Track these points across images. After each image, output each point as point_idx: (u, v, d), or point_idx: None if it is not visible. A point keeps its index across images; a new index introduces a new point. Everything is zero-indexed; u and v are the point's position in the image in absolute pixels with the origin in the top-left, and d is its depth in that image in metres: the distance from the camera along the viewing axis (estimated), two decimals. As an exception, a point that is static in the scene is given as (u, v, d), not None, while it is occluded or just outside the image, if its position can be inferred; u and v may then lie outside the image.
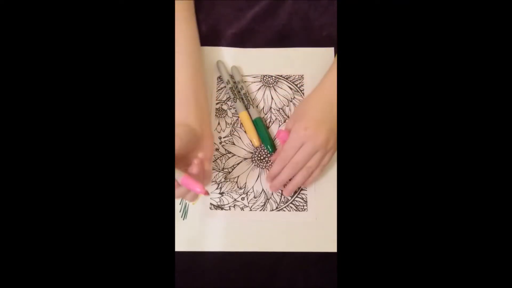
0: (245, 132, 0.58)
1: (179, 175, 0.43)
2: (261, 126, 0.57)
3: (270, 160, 0.56)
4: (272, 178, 0.53)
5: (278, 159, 0.52)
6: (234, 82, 0.60)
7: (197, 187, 0.42)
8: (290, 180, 0.53)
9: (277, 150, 0.56)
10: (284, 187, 0.54)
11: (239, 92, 0.60)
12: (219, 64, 0.62)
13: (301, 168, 0.52)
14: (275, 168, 0.53)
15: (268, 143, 0.56)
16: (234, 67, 0.62)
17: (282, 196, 0.55)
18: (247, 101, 0.59)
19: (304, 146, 0.51)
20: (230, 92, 0.59)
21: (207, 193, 0.43)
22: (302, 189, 0.55)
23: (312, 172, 0.52)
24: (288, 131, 0.54)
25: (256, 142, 0.57)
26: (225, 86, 0.61)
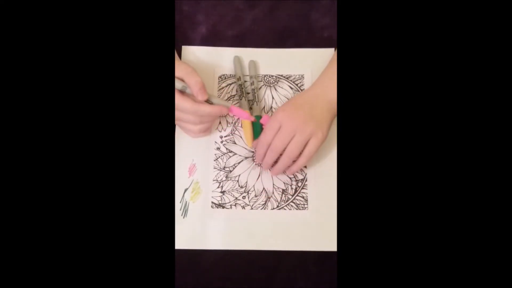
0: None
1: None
2: (260, 124, 0.57)
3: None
4: (259, 160, 0.54)
5: (260, 142, 0.53)
6: (245, 80, 0.61)
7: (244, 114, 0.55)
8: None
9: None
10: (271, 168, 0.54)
11: (245, 91, 0.60)
12: (235, 60, 0.62)
13: (281, 151, 0.52)
14: (258, 151, 0.53)
15: None
16: (252, 62, 0.62)
17: (283, 195, 0.55)
18: (254, 97, 0.59)
19: (281, 128, 0.51)
20: (238, 89, 0.59)
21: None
22: (302, 188, 0.55)
23: (293, 157, 0.52)
24: None
25: (249, 144, 0.57)
26: (227, 86, 0.61)
